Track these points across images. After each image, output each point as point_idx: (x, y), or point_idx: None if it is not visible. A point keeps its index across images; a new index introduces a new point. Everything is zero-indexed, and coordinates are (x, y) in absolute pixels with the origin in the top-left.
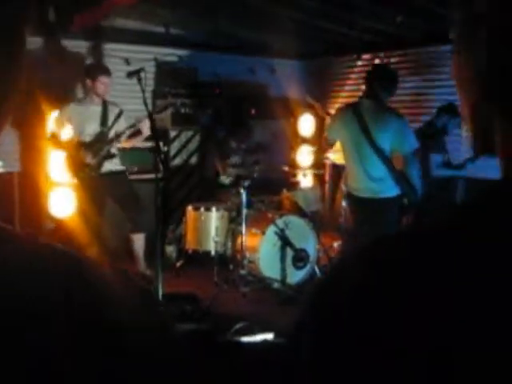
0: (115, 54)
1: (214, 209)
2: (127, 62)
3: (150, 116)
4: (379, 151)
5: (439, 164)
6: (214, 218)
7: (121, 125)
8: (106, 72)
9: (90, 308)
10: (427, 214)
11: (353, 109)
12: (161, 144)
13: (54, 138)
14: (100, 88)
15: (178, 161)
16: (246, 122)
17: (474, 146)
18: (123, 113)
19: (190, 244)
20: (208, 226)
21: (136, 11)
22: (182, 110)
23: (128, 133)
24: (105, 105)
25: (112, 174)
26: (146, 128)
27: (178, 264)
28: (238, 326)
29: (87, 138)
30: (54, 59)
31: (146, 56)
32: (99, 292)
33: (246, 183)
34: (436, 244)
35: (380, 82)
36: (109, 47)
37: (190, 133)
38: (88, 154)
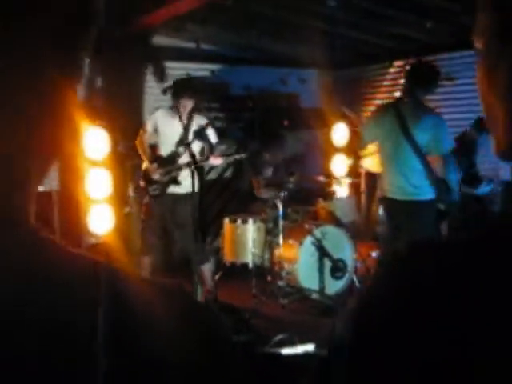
0: (148, 70)
1: (250, 221)
2: (161, 77)
3: (185, 130)
4: (418, 150)
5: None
6: (251, 230)
7: (196, 147)
8: (188, 94)
9: (128, 339)
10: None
11: (392, 107)
12: (197, 158)
13: (137, 144)
14: (180, 109)
15: (212, 174)
16: (279, 134)
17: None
18: (204, 132)
19: (228, 256)
20: (245, 238)
21: (167, 28)
22: (215, 124)
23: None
24: (189, 122)
25: (176, 197)
26: (217, 162)
27: (217, 276)
28: (278, 337)
29: (164, 151)
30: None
31: (178, 72)
32: (141, 319)
33: (282, 194)
34: (470, 255)
35: (419, 80)
36: (143, 63)
37: (223, 147)
38: (157, 172)
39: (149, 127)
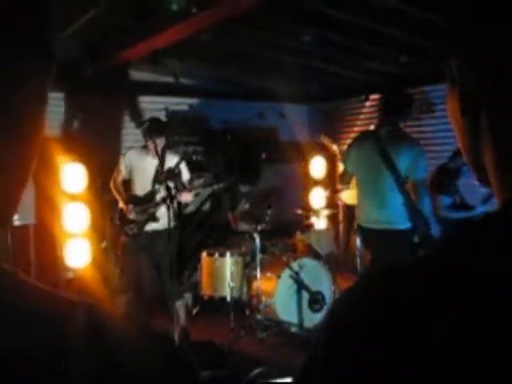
0: (126, 105)
1: (228, 254)
2: (137, 112)
3: (161, 165)
4: (398, 176)
5: (448, 206)
6: (229, 264)
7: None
8: (160, 134)
9: (104, 371)
10: None
11: (372, 136)
12: (173, 192)
13: (112, 185)
14: (152, 148)
15: (190, 208)
16: (257, 167)
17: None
18: (176, 170)
19: (206, 290)
20: (223, 272)
21: (145, 63)
22: (194, 158)
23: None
24: (162, 159)
25: (154, 234)
26: (186, 198)
27: (195, 311)
28: (256, 371)
29: (138, 191)
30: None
31: (156, 106)
32: (116, 353)
33: (259, 228)
34: (430, 276)
35: (394, 109)
36: (120, 98)
37: (201, 180)
38: (134, 212)
39: (122, 167)
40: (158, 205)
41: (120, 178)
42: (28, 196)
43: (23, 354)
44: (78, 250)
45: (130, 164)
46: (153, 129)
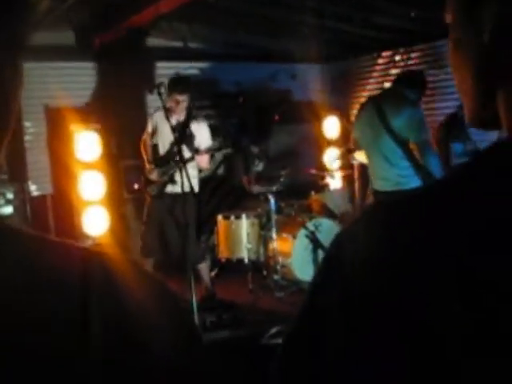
0: (138, 71)
1: (244, 216)
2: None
3: (173, 130)
4: (397, 137)
5: (460, 152)
6: (245, 226)
7: (189, 147)
8: (181, 90)
9: (116, 324)
10: None
11: (372, 100)
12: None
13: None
14: (172, 106)
15: (205, 172)
16: (270, 129)
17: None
18: (194, 134)
19: (223, 253)
20: (239, 234)
21: (153, 28)
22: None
23: (190, 161)
24: (185, 122)
25: (174, 197)
26: (204, 162)
27: (213, 273)
28: (274, 329)
29: (162, 152)
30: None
31: (167, 71)
32: (127, 303)
33: (274, 189)
34: (431, 203)
35: (408, 88)
36: (131, 65)
37: (215, 144)
38: (154, 172)
39: (149, 128)
40: (173, 167)
41: (147, 138)
42: (44, 166)
43: (27, 306)
44: (95, 217)
45: (156, 125)
46: (175, 84)
